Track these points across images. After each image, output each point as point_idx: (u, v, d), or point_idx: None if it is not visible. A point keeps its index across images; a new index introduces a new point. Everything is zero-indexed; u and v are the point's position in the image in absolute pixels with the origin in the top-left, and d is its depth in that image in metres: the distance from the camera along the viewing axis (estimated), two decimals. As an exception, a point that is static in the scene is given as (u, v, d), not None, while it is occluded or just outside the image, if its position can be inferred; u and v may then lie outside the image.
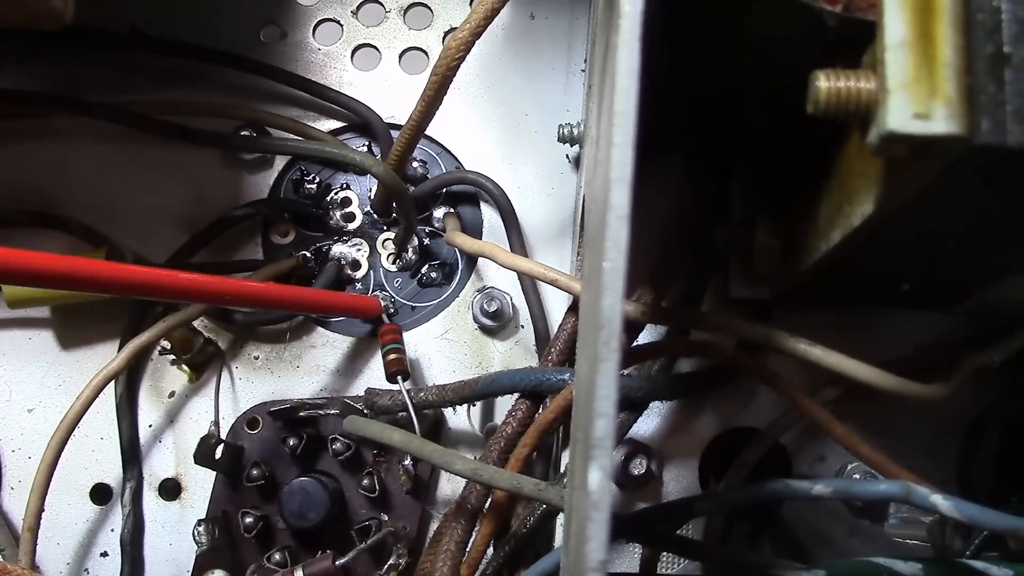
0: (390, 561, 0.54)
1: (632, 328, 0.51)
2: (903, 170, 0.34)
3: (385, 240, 0.61)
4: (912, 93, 0.29)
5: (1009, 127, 0.29)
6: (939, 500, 0.40)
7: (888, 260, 0.42)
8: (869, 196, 0.36)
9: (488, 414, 0.59)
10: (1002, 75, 0.29)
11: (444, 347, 0.60)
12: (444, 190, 0.61)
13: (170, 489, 0.59)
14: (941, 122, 0.29)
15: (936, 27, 0.29)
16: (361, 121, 0.61)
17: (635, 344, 0.51)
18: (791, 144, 0.46)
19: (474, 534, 0.48)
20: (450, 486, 0.57)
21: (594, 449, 0.26)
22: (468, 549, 0.48)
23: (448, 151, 0.62)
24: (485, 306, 0.58)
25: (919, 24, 0.30)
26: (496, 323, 0.59)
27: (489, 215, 0.61)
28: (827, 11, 0.36)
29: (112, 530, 0.58)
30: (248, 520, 0.55)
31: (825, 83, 0.32)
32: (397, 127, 0.61)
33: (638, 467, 0.53)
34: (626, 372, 0.51)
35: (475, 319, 0.59)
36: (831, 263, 0.42)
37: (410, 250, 0.60)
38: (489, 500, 0.49)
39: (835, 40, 0.36)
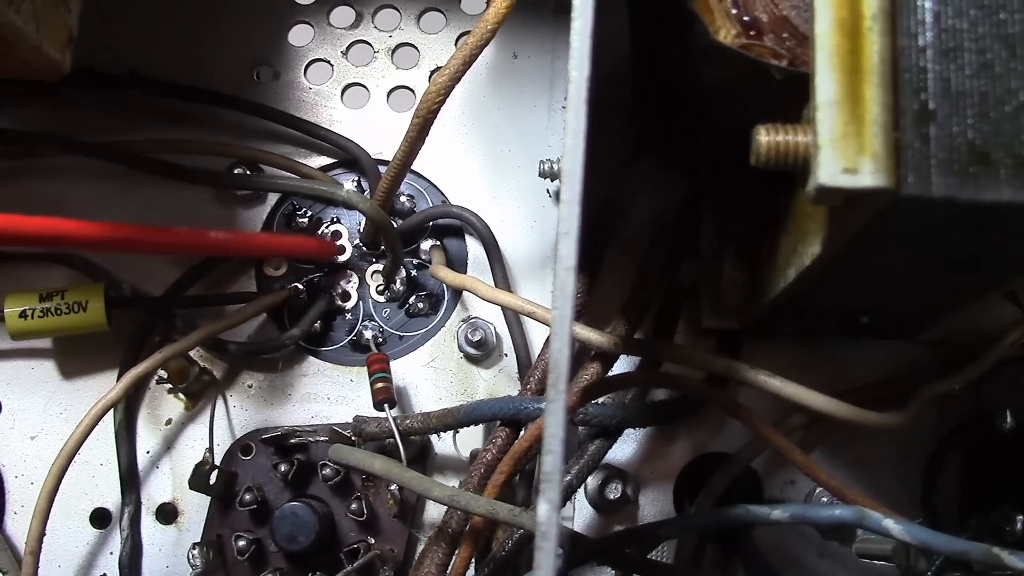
0: (377, 582, 0.56)
1: (607, 358, 0.53)
2: (843, 216, 0.36)
3: (374, 272, 0.63)
4: (841, 149, 0.31)
5: (934, 179, 0.31)
6: (891, 524, 0.42)
7: (843, 296, 0.44)
8: (817, 238, 0.38)
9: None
10: (928, 130, 0.31)
11: (431, 375, 0.62)
12: (430, 223, 0.63)
13: (167, 513, 0.61)
14: (868, 176, 0.31)
15: (864, 87, 0.32)
16: (350, 157, 0.64)
17: (609, 374, 0.53)
18: (755, 184, 0.49)
19: (455, 557, 0.50)
20: (436, 510, 0.59)
21: (542, 483, 0.28)
22: (448, 571, 0.50)
23: (434, 185, 0.64)
24: (469, 335, 0.60)
25: (848, 84, 0.32)
26: (480, 352, 0.61)
27: (474, 247, 0.63)
28: (774, 65, 0.38)
29: (111, 553, 0.60)
30: (241, 543, 0.57)
31: (765, 137, 0.34)
32: (385, 163, 0.63)
33: (614, 491, 0.55)
34: (601, 400, 0.53)
35: (460, 348, 0.61)
36: (789, 298, 0.45)
37: (398, 281, 0.63)
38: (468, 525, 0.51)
39: (783, 91, 0.38)
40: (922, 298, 0.44)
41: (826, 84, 0.32)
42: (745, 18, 0.39)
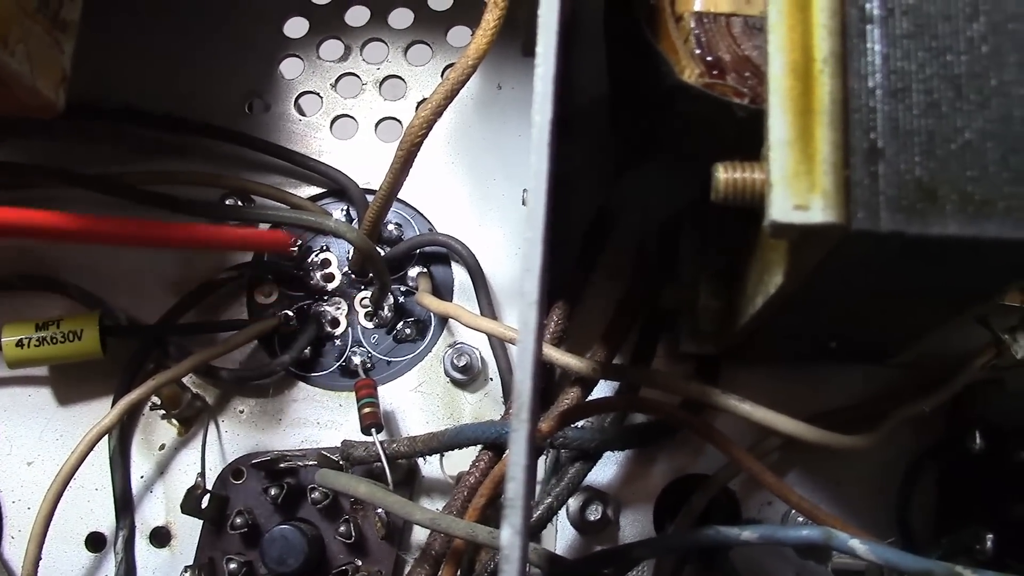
0: (365, 604, 0.57)
1: (586, 383, 0.54)
2: (801, 249, 0.37)
3: (362, 299, 0.65)
4: (792, 187, 0.33)
5: (882, 215, 0.32)
6: (857, 544, 0.43)
7: (809, 323, 0.46)
8: (780, 269, 0.40)
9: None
10: (877, 168, 0.33)
11: (418, 399, 0.63)
12: (417, 251, 0.65)
13: (160, 537, 0.62)
14: (819, 212, 0.32)
15: (815, 127, 0.33)
16: (339, 187, 0.65)
17: (589, 399, 0.54)
18: (727, 215, 0.50)
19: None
20: (423, 532, 0.60)
21: (506, 509, 0.29)
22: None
23: (421, 214, 0.66)
24: (455, 360, 0.62)
25: (800, 125, 0.33)
26: (466, 376, 0.62)
27: (460, 273, 0.65)
28: (736, 103, 0.40)
29: (106, 576, 0.62)
30: (232, 566, 0.58)
31: (723, 174, 0.35)
32: (373, 192, 0.64)
33: (594, 513, 0.57)
34: (580, 424, 0.55)
35: (446, 373, 0.63)
36: (759, 325, 0.46)
37: (386, 308, 0.64)
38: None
39: (746, 128, 0.39)
40: (887, 325, 0.46)
41: (778, 125, 0.33)
42: (708, 58, 0.41)
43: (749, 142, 0.37)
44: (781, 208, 0.32)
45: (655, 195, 0.59)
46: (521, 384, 0.30)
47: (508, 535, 0.29)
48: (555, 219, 0.57)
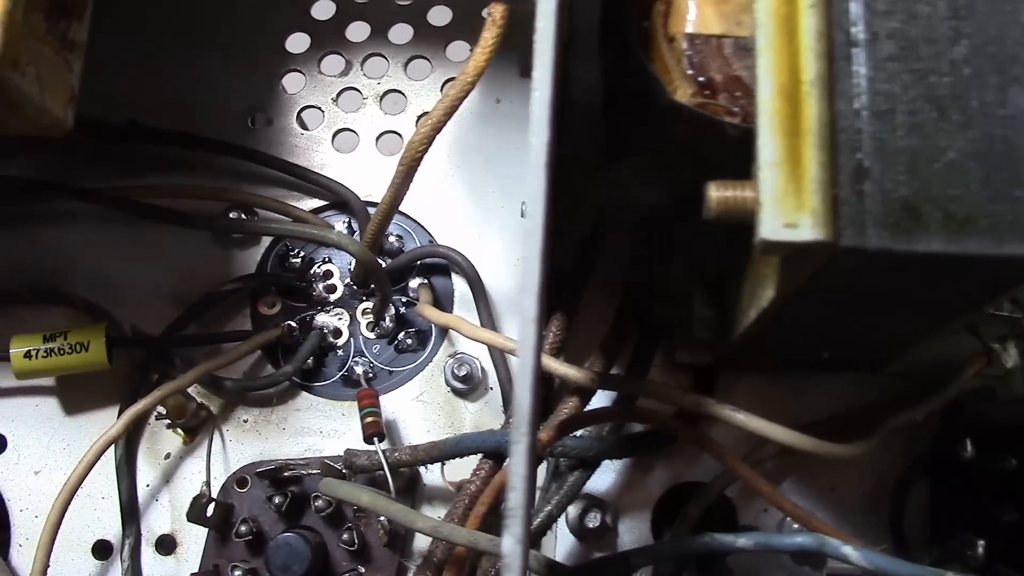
0: (368, 610, 0.58)
1: (585, 393, 0.55)
2: (792, 264, 0.38)
3: (364, 309, 0.66)
4: (782, 206, 0.34)
5: (869, 232, 0.33)
6: (849, 551, 0.44)
7: (802, 334, 0.47)
8: (772, 283, 0.41)
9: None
10: (863, 187, 0.34)
11: (419, 409, 0.64)
12: (418, 262, 0.66)
13: (166, 545, 0.63)
14: (808, 230, 0.33)
15: (804, 148, 0.34)
16: (341, 200, 0.67)
17: (587, 409, 0.55)
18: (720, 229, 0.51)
19: (439, 585, 0.53)
20: (425, 539, 0.61)
21: (506, 518, 0.31)
22: (433, 599, 0.52)
23: (422, 226, 0.67)
24: (456, 370, 0.63)
25: (788, 146, 0.34)
26: (466, 386, 0.63)
27: (460, 284, 0.66)
28: (727, 123, 0.41)
29: (112, 584, 0.63)
30: (237, 573, 0.59)
31: (716, 193, 0.36)
32: (375, 204, 0.65)
33: (593, 520, 0.58)
34: (579, 433, 0.56)
35: (447, 382, 0.64)
36: (753, 336, 0.47)
37: (387, 318, 0.65)
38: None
39: (738, 146, 0.40)
40: (878, 336, 0.47)
41: (767, 146, 0.34)
42: (700, 78, 0.42)
43: (741, 159, 0.38)
44: (771, 227, 0.34)
45: (649, 204, 0.60)
46: (521, 399, 0.31)
47: (510, 544, 0.30)
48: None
